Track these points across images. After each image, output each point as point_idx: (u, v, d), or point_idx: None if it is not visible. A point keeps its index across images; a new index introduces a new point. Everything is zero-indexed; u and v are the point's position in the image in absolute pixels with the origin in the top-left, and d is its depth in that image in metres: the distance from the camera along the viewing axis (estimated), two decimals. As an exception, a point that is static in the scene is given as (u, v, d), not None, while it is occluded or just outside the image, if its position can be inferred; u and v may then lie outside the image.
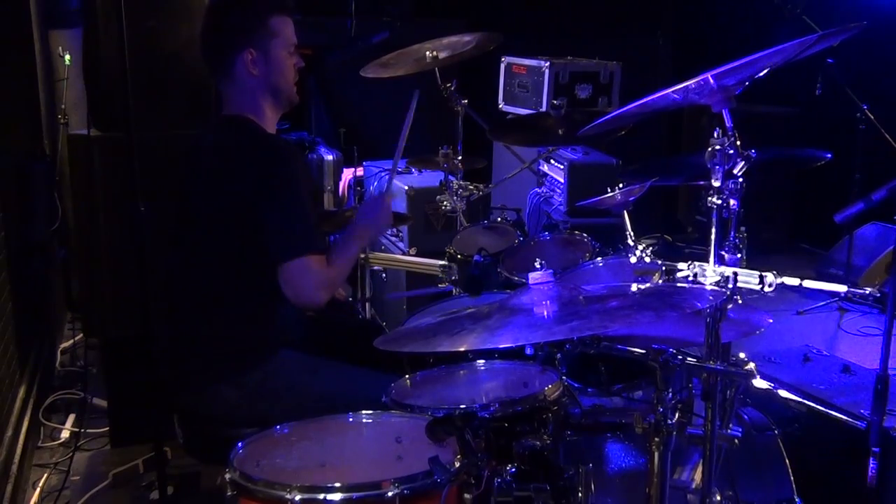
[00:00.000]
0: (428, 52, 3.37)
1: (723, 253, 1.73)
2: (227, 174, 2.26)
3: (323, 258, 2.23)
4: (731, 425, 1.93)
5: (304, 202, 2.23)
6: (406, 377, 2.14)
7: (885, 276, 4.71)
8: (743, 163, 1.68)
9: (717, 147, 1.68)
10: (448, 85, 3.42)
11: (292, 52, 2.36)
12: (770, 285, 1.67)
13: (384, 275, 4.08)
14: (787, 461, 2.16)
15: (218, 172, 2.29)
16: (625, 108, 1.82)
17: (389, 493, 1.61)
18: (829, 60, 4.39)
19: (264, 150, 2.26)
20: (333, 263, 2.29)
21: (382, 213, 2.50)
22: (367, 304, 3.72)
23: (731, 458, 1.96)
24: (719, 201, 1.70)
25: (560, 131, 3.24)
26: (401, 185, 4.39)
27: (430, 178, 4.26)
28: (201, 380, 2.28)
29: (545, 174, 4.67)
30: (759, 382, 1.74)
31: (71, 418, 3.67)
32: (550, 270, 1.78)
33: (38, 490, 3.15)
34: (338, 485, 1.63)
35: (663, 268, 2.08)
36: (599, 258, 2.58)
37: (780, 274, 1.68)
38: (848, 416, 2.64)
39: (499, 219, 3.51)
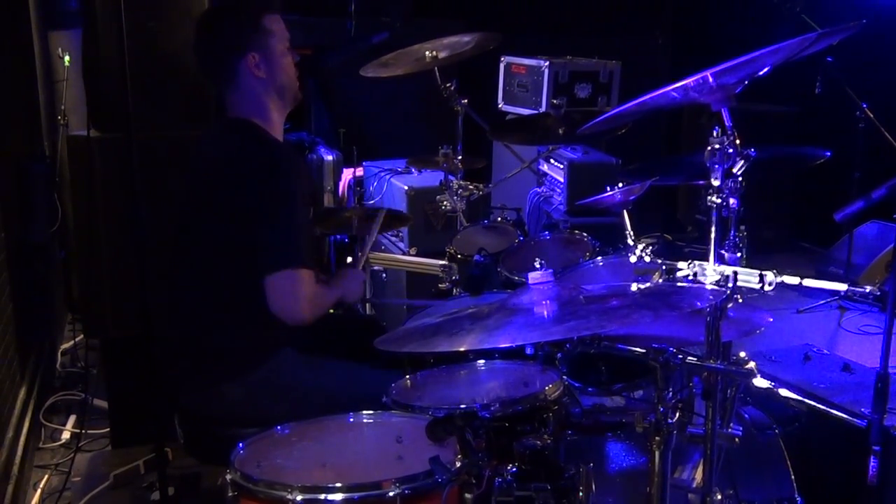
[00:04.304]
0: (427, 52, 3.37)
1: (723, 252, 1.73)
2: (229, 180, 2.25)
3: (312, 274, 2.22)
4: (731, 424, 1.93)
5: (299, 218, 2.23)
6: (406, 377, 2.14)
7: (885, 274, 4.71)
8: (742, 161, 1.68)
9: (717, 146, 1.68)
10: (448, 85, 3.42)
11: (288, 47, 2.37)
12: (770, 284, 1.67)
13: (384, 275, 4.08)
14: (787, 460, 2.17)
15: (220, 177, 2.29)
16: (624, 107, 1.82)
17: (390, 493, 1.61)
18: (829, 59, 4.39)
19: (265, 160, 2.26)
20: (324, 287, 2.30)
21: (358, 285, 2.53)
22: (367, 305, 3.73)
23: (732, 457, 1.96)
24: (719, 200, 1.70)
25: (560, 131, 3.25)
26: (401, 184, 4.39)
27: (430, 178, 4.26)
28: (202, 380, 2.28)
29: (545, 174, 4.67)
30: (760, 381, 1.74)
31: (72, 419, 3.67)
32: (550, 270, 1.78)
33: (39, 491, 3.15)
34: (339, 485, 1.63)
35: (663, 267, 2.07)
36: (599, 257, 2.58)
37: (780, 272, 1.68)
38: (848, 415, 2.64)
39: (499, 218, 3.51)
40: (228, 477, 1.71)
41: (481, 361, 2.19)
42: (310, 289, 2.20)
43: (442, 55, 3.39)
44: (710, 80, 1.65)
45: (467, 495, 1.67)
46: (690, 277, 1.74)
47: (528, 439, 1.81)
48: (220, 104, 2.40)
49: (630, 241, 2.31)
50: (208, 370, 2.28)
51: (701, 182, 1.78)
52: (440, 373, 2.18)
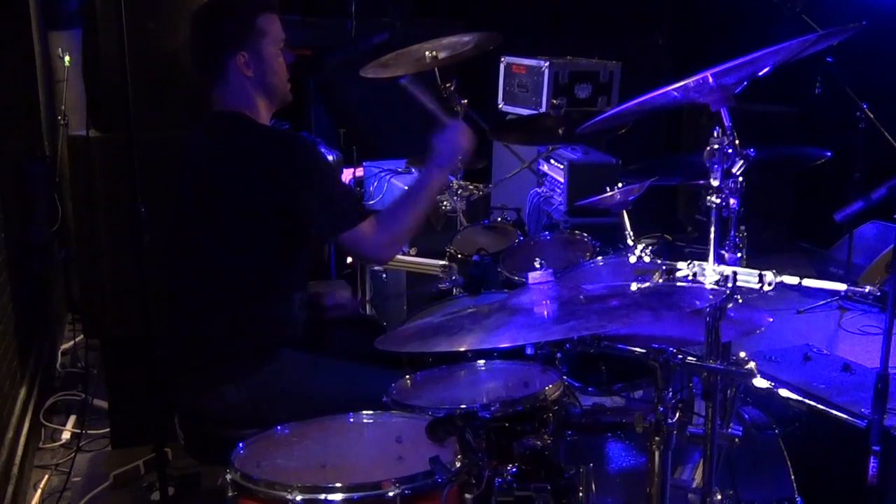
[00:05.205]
0: (428, 53, 3.36)
1: (722, 252, 1.73)
2: (229, 172, 2.25)
3: (373, 221, 2.29)
4: (731, 424, 1.93)
5: (337, 178, 2.27)
6: (406, 377, 2.14)
7: (885, 274, 4.71)
8: (742, 162, 1.68)
9: (717, 146, 1.68)
10: (448, 85, 3.41)
11: (281, 49, 2.37)
12: (770, 284, 1.67)
13: (384, 275, 4.08)
14: (787, 460, 2.17)
15: (216, 171, 2.29)
16: (624, 106, 1.82)
17: (390, 494, 1.61)
18: (829, 59, 4.39)
19: (273, 143, 2.28)
20: (396, 215, 2.35)
21: (462, 134, 2.55)
22: (367, 305, 3.73)
23: (732, 458, 1.96)
24: (719, 200, 1.70)
25: (560, 131, 3.25)
26: (401, 185, 4.39)
27: (430, 178, 4.25)
28: (202, 380, 2.28)
29: (545, 174, 4.67)
30: (760, 381, 1.74)
31: (72, 419, 3.67)
32: (550, 270, 1.79)
33: (39, 491, 3.15)
34: (338, 485, 1.63)
35: (663, 267, 2.07)
36: (599, 258, 2.58)
37: (779, 273, 1.68)
38: (848, 415, 2.64)
39: (499, 219, 3.51)
40: (228, 477, 1.70)
41: (481, 361, 2.19)
42: (378, 237, 2.29)
43: (442, 55, 3.38)
44: (711, 80, 1.65)
45: (467, 495, 1.67)
46: (690, 277, 1.74)
47: (528, 439, 1.81)
48: (208, 97, 2.40)
49: (630, 242, 2.31)
50: (208, 371, 2.28)
51: (701, 182, 1.78)
52: (440, 373, 2.18)
